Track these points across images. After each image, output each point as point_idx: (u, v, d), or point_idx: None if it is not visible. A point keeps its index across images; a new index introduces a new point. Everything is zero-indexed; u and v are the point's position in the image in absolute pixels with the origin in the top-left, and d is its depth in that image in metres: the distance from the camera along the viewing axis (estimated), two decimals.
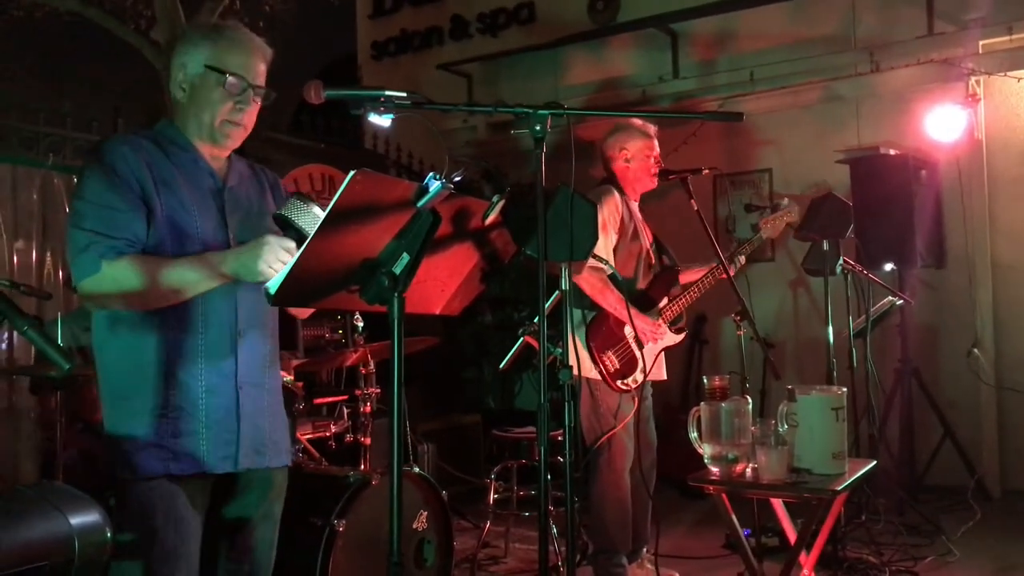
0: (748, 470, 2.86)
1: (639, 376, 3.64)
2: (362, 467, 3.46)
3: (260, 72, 2.08)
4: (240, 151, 2.21)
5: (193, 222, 1.99)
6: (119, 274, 1.88)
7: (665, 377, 3.90)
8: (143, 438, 1.95)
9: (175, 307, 1.96)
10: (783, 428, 2.84)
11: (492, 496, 4.31)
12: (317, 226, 1.61)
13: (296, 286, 1.65)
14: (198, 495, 2.02)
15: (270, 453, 2.13)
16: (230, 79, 2.01)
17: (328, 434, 3.91)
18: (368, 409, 3.63)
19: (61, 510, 1.45)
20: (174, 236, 1.97)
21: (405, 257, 1.67)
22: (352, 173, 1.56)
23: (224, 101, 2.03)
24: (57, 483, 1.69)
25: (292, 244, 1.78)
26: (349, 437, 3.81)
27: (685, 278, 3.87)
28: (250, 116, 2.08)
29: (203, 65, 2.03)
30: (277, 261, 1.81)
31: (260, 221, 2.08)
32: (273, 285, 1.66)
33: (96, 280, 1.89)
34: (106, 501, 2.00)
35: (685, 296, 3.78)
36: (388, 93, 1.78)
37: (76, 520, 1.46)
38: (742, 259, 3.95)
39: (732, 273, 3.72)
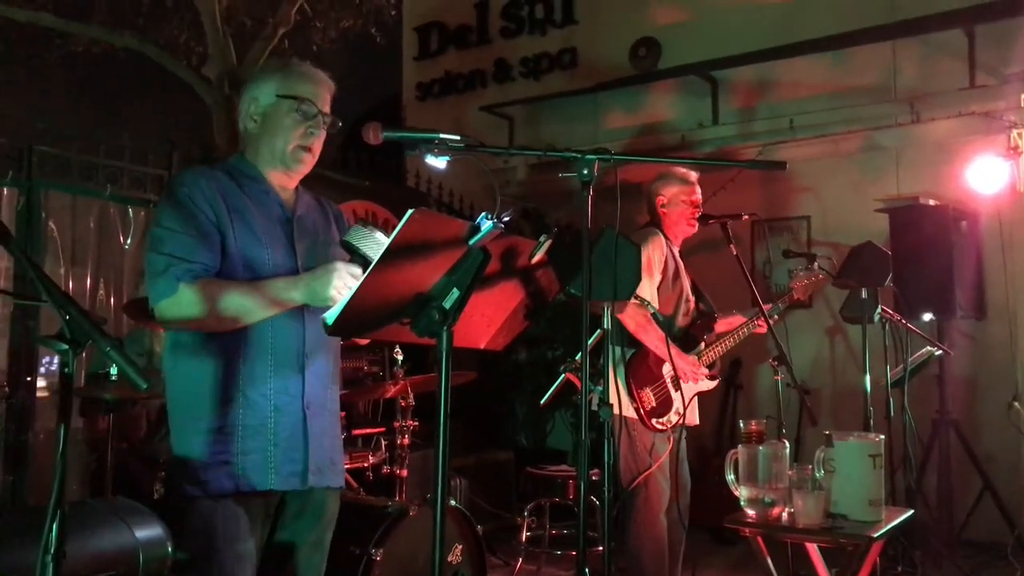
0: (784, 514, 2.86)
1: (674, 416, 3.66)
2: (398, 498, 3.51)
3: (327, 101, 2.20)
4: None
5: (264, 249, 2.08)
6: (195, 296, 1.95)
7: (697, 422, 3.91)
8: (212, 456, 2.01)
9: (245, 329, 2.03)
10: (820, 473, 2.84)
11: (525, 533, 4.32)
12: (380, 252, 1.66)
13: (353, 317, 1.71)
14: (260, 515, 2.06)
15: (332, 472, 2.19)
16: (303, 104, 2.13)
17: (366, 465, 3.97)
18: (406, 442, 3.69)
19: (128, 524, 1.52)
20: (246, 263, 2.05)
21: (455, 292, 1.73)
22: (410, 212, 1.62)
23: (296, 127, 2.14)
24: (123, 498, 1.76)
25: (359, 270, 1.86)
26: (386, 468, 3.87)
27: (721, 327, 3.89)
28: (318, 143, 2.19)
29: (275, 95, 2.14)
30: (346, 287, 1.89)
31: (326, 249, 2.17)
32: (331, 316, 1.72)
33: (173, 301, 1.96)
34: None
35: (721, 343, 3.80)
36: (443, 136, 1.87)
37: (141, 534, 1.53)
38: (780, 308, 3.98)
39: (771, 323, 3.75)
